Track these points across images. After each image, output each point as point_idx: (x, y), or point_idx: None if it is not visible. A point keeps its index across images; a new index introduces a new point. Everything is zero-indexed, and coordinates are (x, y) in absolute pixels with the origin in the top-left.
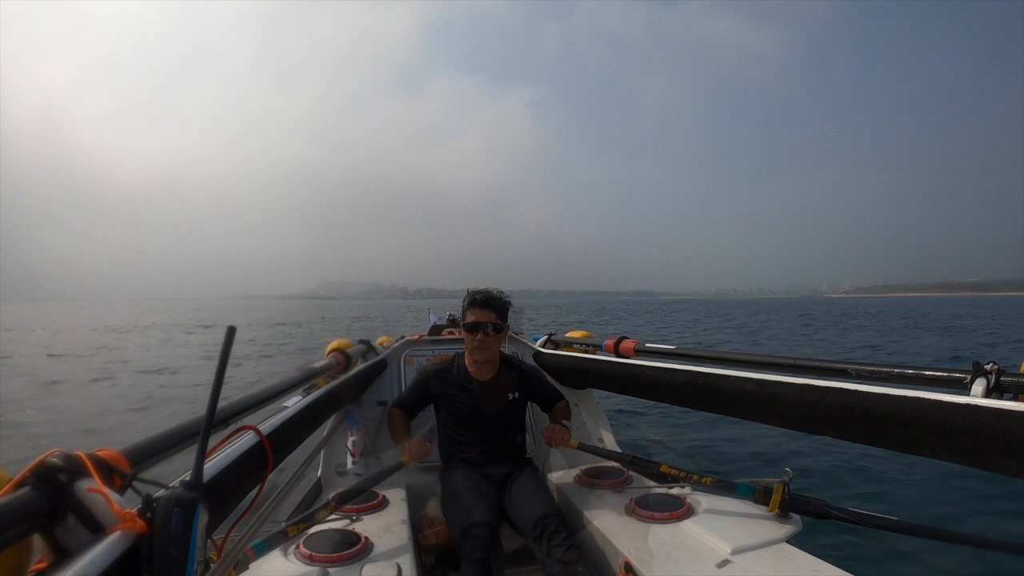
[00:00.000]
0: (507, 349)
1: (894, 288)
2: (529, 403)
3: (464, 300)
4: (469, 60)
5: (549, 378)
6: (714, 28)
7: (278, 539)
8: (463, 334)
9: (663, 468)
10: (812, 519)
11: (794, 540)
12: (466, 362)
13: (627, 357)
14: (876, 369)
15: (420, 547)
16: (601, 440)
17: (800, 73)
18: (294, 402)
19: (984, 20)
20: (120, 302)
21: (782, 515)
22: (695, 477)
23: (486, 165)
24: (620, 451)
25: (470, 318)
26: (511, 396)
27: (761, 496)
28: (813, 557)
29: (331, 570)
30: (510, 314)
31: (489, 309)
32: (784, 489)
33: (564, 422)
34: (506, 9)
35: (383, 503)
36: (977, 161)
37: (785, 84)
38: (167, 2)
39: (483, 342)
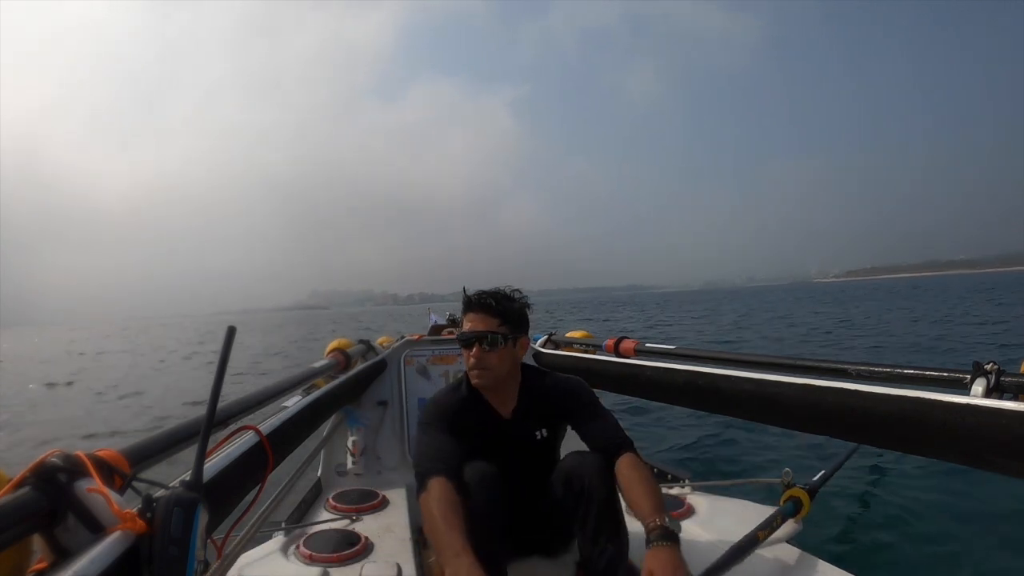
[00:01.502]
0: None
1: (883, 269)
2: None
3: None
4: (448, 62)
5: (594, 399)
6: (694, 17)
7: (278, 539)
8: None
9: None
10: (813, 519)
11: (794, 540)
12: (482, 392)
13: (627, 357)
14: (876, 369)
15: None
16: None
17: (778, 61)
18: (294, 402)
19: None
20: (109, 324)
21: (783, 515)
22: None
23: (471, 167)
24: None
25: (465, 326)
26: (539, 435)
27: (797, 509)
28: (813, 557)
29: (331, 570)
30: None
31: (488, 314)
32: (806, 490)
33: (668, 523)
34: (482, 8)
35: (383, 503)
36: (959, 137)
37: (766, 71)
38: (138, 4)
39: (480, 360)
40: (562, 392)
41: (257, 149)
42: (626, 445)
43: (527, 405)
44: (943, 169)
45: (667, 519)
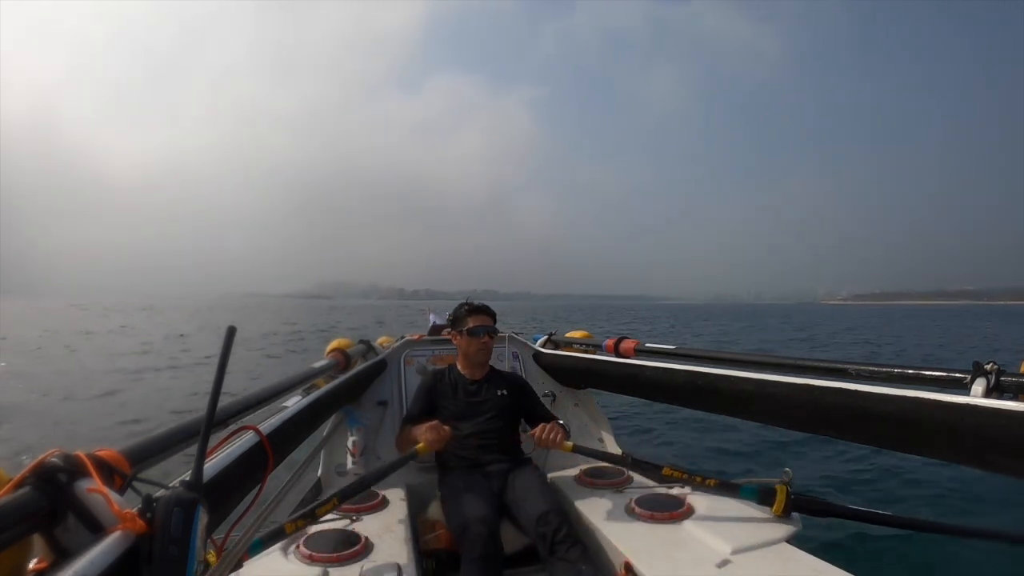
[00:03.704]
0: (507, 349)
1: (891, 295)
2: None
3: (459, 309)
4: (468, 58)
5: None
6: (716, 29)
7: (278, 539)
8: (461, 339)
9: (665, 471)
10: (812, 519)
11: (794, 540)
12: (459, 367)
13: (627, 357)
14: (876, 369)
15: (421, 551)
16: (601, 440)
17: (799, 77)
18: (294, 402)
19: (983, 24)
20: (114, 300)
21: (782, 515)
22: (698, 479)
23: (484, 166)
24: (620, 452)
25: (472, 323)
26: (500, 393)
27: (764, 497)
28: (813, 557)
29: (331, 570)
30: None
31: (487, 315)
32: (787, 490)
33: (560, 421)
34: (510, 6)
35: (383, 503)
36: (974, 167)
37: (784, 87)
38: None
39: (488, 344)
40: (514, 377)
41: (273, 134)
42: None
43: (491, 376)
44: (957, 198)
45: (559, 422)
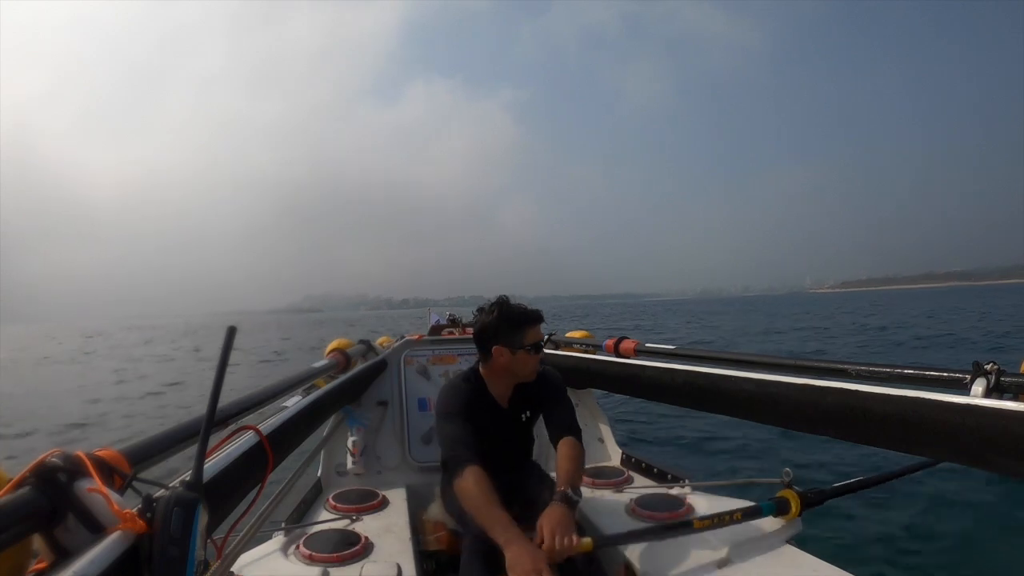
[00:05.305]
0: None
1: (880, 281)
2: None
3: (504, 317)
4: (447, 63)
5: (564, 389)
6: (694, 23)
7: (278, 539)
8: (515, 357)
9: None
10: (812, 519)
11: (794, 540)
12: (487, 385)
13: (627, 357)
14: (876, 369)
15: (421, 551)
16: (601, 440)
17: (778, 65)
18: (294, 402)
19: (955, 7)
20: (99, 323)
21: (783, 515)
22: (706, 522)
23: (468, 171)
24: (620, 454)
25: (534, 338)
26: (524, 416)
27: (781, 509)
28: (813, 557)
29: (331, 570)
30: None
31: (541, 321)
32: (796, 492)
33: (571, 492)
34: (486, 7)
35: (383, 503)
36: (957, 148)
37: (763, 77)
38: (132, 3)
39: (538, 360)
40: (541, 382)
41: (252, 147)
42: (573, 432)
43: (519, 396)
44: (940, 180)
45: (571, 492)
